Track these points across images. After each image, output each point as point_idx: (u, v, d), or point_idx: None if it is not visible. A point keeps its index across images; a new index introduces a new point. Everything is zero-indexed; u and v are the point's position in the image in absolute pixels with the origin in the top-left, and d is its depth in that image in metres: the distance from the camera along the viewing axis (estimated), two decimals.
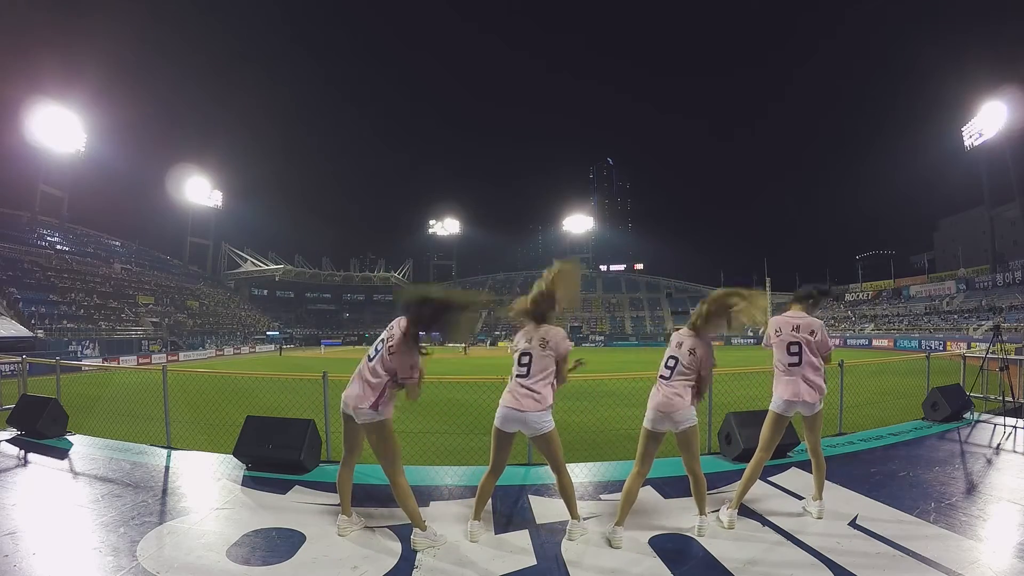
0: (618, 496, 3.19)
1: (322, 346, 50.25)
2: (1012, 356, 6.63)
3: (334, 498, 3.72)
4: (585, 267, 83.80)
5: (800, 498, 3.60)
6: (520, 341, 3.06)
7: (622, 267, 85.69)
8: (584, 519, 3.17)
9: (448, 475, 4.28)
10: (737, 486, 3.35)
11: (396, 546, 2.95)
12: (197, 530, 3.20)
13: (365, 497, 3.68)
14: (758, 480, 3.56)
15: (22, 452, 5.09)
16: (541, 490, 3.91)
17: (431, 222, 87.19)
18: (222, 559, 2.80)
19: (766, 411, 3.42)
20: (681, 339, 3.20)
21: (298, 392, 8.70)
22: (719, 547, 2.90)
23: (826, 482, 3.48)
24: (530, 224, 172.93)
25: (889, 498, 3.57)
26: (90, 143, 50.09)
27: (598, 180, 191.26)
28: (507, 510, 3.53)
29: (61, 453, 5.07)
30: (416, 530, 2.94)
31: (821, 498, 3.35)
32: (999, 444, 5.08)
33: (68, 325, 31.64)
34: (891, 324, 45.08)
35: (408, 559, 2.80)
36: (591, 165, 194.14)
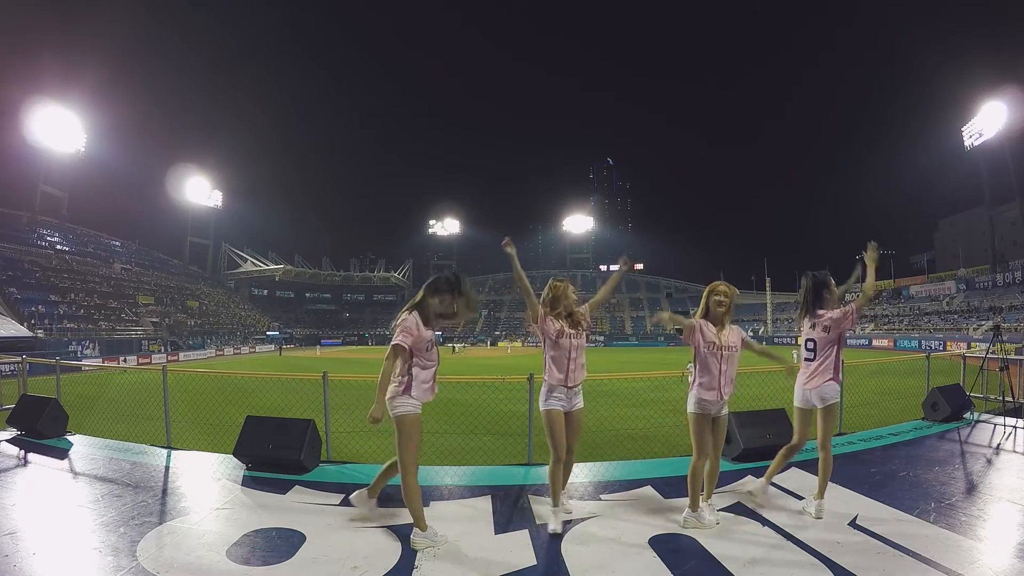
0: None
1: (319, 346, 49.36)
2: (1012, 356, 6.63)
3: (334, 498, 3.74)
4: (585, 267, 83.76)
5: (800, 498, 3.60)
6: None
7: None
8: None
9: (448, 475, 4.28)
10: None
11: (396, 546, 2.95)
12: (197, 530, 3.21)
13: None
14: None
15: (22, 452, 5.10)
16: (541, 490, 3.90)
17: (431, 222, 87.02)
18: (222, 559, 2.80)
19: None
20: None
21: (298, 392, 8.70)
22: (719, 547, 2.90)
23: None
24: (530, 224, 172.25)
25: (889, 498, 3.57)
26: (90, 143, 50.01)
27: (598, 180, 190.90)
28: (507, 510, 3.54)
29: (61, 453, 5.07)
30: (416, 530, 2.94)
31: (822, 497, 3.36)
32: (999, 444, 5.08)
33: (68, 325, 31.65)
34: (891, 324, 45.08)
35: (408, 559, 2.80)
36: (591, 165, 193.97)
